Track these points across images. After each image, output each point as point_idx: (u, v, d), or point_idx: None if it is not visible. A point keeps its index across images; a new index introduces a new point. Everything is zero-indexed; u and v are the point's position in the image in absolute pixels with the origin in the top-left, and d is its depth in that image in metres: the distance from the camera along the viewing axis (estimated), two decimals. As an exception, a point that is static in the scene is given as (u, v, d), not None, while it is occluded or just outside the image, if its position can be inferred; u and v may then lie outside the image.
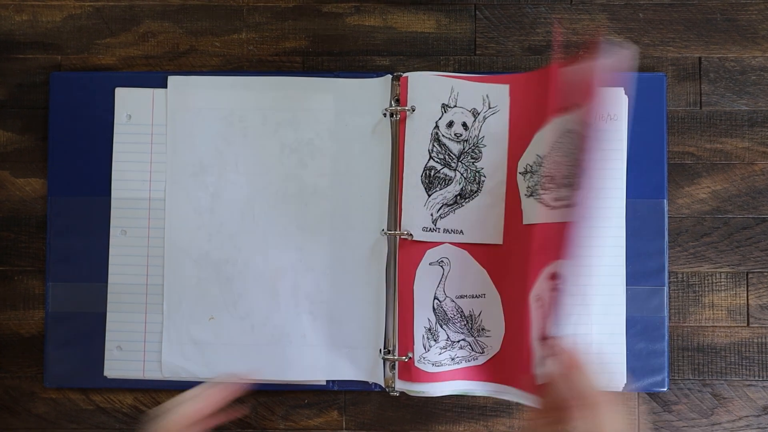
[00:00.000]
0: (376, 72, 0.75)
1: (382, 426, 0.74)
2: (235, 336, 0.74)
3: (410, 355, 0.71)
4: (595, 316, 0.73)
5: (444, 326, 0.72)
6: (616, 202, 0.73)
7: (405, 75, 0.73)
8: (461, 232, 0.72)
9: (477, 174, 0.72)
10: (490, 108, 0.72)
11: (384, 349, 0.72)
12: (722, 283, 0.74)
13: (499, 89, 0.72)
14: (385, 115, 0.73)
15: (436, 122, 0.72)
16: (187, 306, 0.74)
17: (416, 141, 0.72)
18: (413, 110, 0.72)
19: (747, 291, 0.74)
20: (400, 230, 0.72)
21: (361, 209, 0.74)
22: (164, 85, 0.74)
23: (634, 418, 0.74)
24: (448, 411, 0.74)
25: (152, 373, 0.73)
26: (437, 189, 0.72)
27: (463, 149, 0.72)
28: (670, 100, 0.75)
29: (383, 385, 0.72)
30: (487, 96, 0.72)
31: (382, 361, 0.72)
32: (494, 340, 0.72)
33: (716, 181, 0.75)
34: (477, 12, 0.76)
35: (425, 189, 0.72)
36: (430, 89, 0.72)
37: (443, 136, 0.72)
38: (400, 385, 0.72)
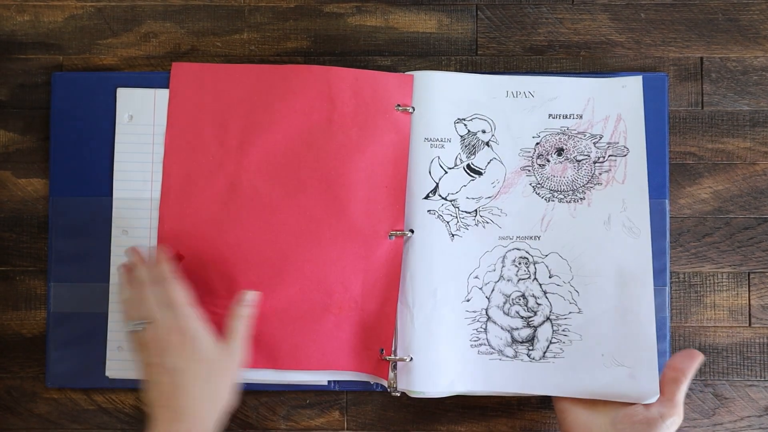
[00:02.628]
0: (377, 72, 0.75)
1: (383, 426, 0.74)
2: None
3: (412, 356, 0.71)
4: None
5: None
6: (618, 202, 0.73)
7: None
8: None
9: None
10: None
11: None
12: (724, 284, 0.74)
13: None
14: None
15: None
16: (188, 306, 0.74)
17: None
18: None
19: (748, 291, 0.74)
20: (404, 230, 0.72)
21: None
22: (166, 86, 0.74)
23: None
24: (449, 411, 0.74)
25: (154, 374, 0.73)
26: None
27: None
28: (672, 100, 0.75)
29: (385, 386, 0.72)
30: None
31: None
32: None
33: (718, 181, 0.75)
34: (478, 12, 0.76)
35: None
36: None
37: None
38: (402, 386, 0.71)
